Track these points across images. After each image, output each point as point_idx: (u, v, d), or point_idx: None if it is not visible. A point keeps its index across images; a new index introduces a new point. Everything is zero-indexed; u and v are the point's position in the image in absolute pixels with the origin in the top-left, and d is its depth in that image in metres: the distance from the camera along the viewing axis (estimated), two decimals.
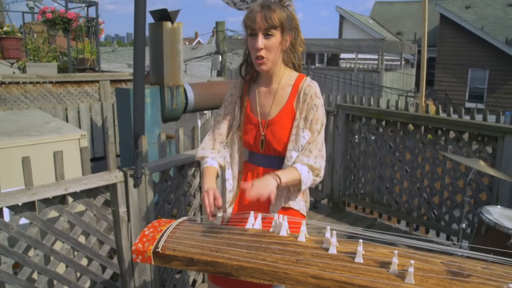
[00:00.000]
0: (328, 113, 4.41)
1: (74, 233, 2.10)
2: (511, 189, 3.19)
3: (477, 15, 19.88)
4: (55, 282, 2.09)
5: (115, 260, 2.31)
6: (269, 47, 1.56)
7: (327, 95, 4.54)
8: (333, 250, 1.35)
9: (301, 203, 1.76)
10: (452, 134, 3.59)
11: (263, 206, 1.66)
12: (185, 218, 1.72)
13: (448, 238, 3.80)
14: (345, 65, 20.02)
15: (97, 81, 6.02)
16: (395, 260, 1.24)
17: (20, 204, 1.89)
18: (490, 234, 2.41)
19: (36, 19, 7.94)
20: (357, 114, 4.20)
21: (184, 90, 4.09)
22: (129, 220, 2.26)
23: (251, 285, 1.40)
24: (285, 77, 1.70)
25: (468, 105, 16.82)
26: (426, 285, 1.18)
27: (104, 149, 5.93)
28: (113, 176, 2.16)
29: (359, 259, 1.30)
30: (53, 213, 2.01)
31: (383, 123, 4.03)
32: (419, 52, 12.57)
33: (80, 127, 5.59)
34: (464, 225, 2.95)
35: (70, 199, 2.08)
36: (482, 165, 2.66)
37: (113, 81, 6.17)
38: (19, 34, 8.12)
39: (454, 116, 3.64)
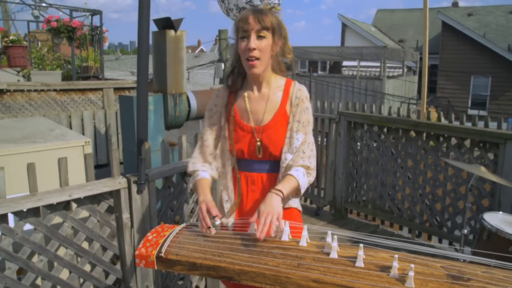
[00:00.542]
0: (330, 120, 4.44)
1: (78, 239, 2.12)
2: None
3: (479, 23, 19.94)
4: (58, 287, 2.10)
5: (118, 266, 2.32)
6: (262, 48, 1.58)
7: (329, 102, 4.56)
8: (334, 255, 1.37)
9: (297, 200, 1.81)
10: (453, 141, 3.60)
11: None
12: (188, 223, 1.73)
13: (450, 245, 3.79)
14: (348, 72, 20.06)
15: (101, 89, 6.07)
16: (395, 264, 1.25)
17: (24, 210, 1.91)
18: (492, 240, 2.42)
19: (41, 27, 8.03)
20: (359, 121, 4.22)
21: (187, 97, 4.12)
22: (132, 226, 2.28)
23: None
24: (275, 82, 1.72)
25: (470, 112, 16.80)
26: None
27: (107, 157, 5.96)
28: (117, 182, 2.18)
29: (360, 263, 1.31)
30: (57, 219, 2.03)
31: (385, 130, 4.04)
32: (421, 59, 12.60)
33: (83, 134, 5.62)
34: (466, 231, 2.95)
35: (74, 205, 2.10)
36: (483, 171, 2.67)
37: (116, 89, 6.21)
38: (24, 43, 8.21)
39: (456, 123, 3.65)
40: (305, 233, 1.46)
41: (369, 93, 13.66)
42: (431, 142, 3.75)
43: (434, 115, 3.98)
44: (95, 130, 5.90)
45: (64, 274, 2.11)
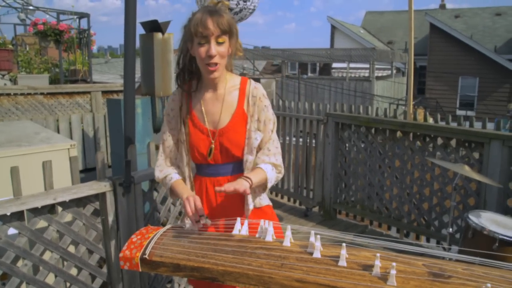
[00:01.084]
0: (318, 121, 4.46)
1: (64, 243, 2.10)
2: (498, 194, 3.23)
3: (466, 24, 20.21)
4: None
5: (104, 269, 2.31)
6: (222, 53, 1.55)
7: (317, 104, 4.59)
8: (317, 254, 1.37)
9: (265, 196, 1.78)
10: (440, 141, 3.64)
11: (236, 210, 1.68)
12: (173, 224, 1.73)
13: (438, 244, 3.83)
14: (337, 74, 20.15)
15: (89, 92, 6.02)
16: (377, 263, 1.26)
17: (8, 214, 1.89)
18: (477, 238, 2.45)
19: (28, 31, 7.96)
20: (346, 122, 4.24)
21: None
22: (118, 229, 2.27)
23: None
24: (230, 82, 1.68)
25: (459, 112, 16.98)
26: (408, 286, 1.20)
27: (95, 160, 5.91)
28: (102, 185, 2.17)
29: (342, 262, 1.32)
30: (42, 223, 2.02)
31: (373, 130, 4.07)
32: None
33: (71, 138, 5.58)
34: (451, 229, 2.98)
35: (59, 209, 2.08)
36: (467, 170, 2.70)
37: (104, 92, 6.17)
38: (10, 46, 8.13)
39: (442, 123, 3.70)
40: (288, 233, 1.47)
41: (358, 95, 13.74)
42: (418, 142, 3.79)
43: (421, 115, 4.02)
44: (83, 133, 5.86)
45: (50, 279, 2.09)
